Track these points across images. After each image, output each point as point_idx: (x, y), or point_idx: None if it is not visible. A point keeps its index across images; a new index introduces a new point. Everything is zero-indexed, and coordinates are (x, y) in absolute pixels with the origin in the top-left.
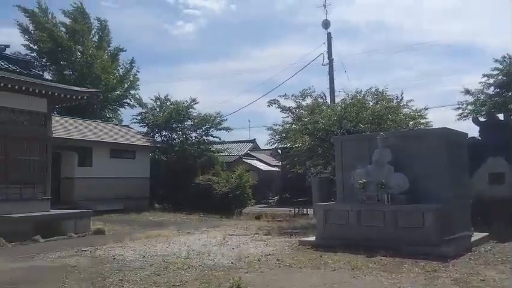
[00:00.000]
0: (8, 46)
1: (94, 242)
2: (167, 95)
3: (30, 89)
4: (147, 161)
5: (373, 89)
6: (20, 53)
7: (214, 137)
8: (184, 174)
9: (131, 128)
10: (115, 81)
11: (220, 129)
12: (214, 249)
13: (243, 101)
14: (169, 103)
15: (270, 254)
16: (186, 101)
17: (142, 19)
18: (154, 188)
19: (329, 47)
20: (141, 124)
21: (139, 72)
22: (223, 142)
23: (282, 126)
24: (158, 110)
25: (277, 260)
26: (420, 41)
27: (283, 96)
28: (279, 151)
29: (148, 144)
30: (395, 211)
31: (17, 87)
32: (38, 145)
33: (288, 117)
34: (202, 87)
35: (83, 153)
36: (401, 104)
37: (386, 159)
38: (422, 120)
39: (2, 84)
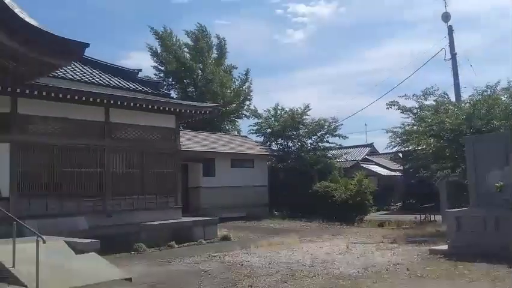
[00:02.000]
0: (140, 70)
1: (221, 248)
2: (277, 104)
3: (161, 108)
4: (265, 169)
5: (504, 82)
6: (149, 76)
7: (329, 143)
8: (301, 181)
9: (249, 138)
10: (232, 94)
11: (335, 136)
12: (338, 258)
13: (358, 105)
14: (283, 112)
15: (398, 264)
16: (300, 108)
17: (252, 33)
18: (272, 196)
19: (450, 40)
20: (258, 134)
21: (252, 84)
22: (340, 147)
23: (403, 128)
24: (273, 119)
25: (407, 269)
26: None
27: (403, 96)
28: (400, 155)
29: (265, 153)
30: None
31: (150, 106)
32: (169, 158)
33: (408, 118)
34: (315, 93)
35: (207, 164)
36: None
37: None
38: None
39: (137, 105)
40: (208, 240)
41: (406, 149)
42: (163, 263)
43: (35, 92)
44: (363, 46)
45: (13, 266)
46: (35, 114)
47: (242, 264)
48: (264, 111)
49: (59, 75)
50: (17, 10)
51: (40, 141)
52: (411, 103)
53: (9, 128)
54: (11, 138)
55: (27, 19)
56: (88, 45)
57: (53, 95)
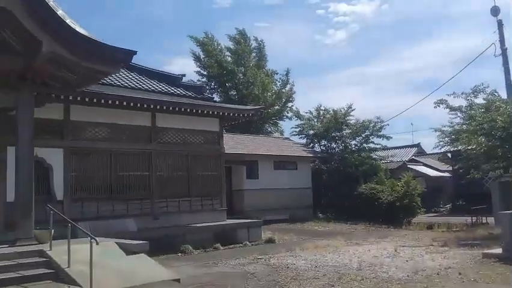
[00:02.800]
0: (184, 75)
1: (266, 250)
2: (319, 105)
3: (205, 111)
4: (308, 171)
5: None
6: (192, 80)
7: (375, 144)
8: (345, 183)
9: (291, 140)
10: (273, 96)
11: (380, 137)
12: (386, 261)
13: (404, 104)
14: (326, 113)
15: (450, 268)
16: (343, 109)
17: (293, 34)
18: (316, 198)
19: (500, 35)
20: (300, 135)
21: (294, 86)
22: (385, 148)
23: (452, 127)
24: (315, 120)
25: (460, 274)
26: None
27: (451, 94)
28: (449, 155)
29: (308, 154)
30: None
31: (194, 110)
32: (213, 161)
33: (456, 117)
34: (358, 93)
35: (251, 166)
36: None
37: None
38: None
39: (182, 109)
40: (252, 243)
41: (455, 148)
42: (210, 265)
43: (86, 99)
44: (407, 43)
45: (68, 267)
46: (86, 121)
47: (288, 267)
48: (306, 112)
49: (107, 82)
50: (68, 21)
51: (91, 147)
52: (459, 101)
53: (63, 134)
54: (64, 144)
55: (78, 29)
56: (135, 52)
57: (103, 101)
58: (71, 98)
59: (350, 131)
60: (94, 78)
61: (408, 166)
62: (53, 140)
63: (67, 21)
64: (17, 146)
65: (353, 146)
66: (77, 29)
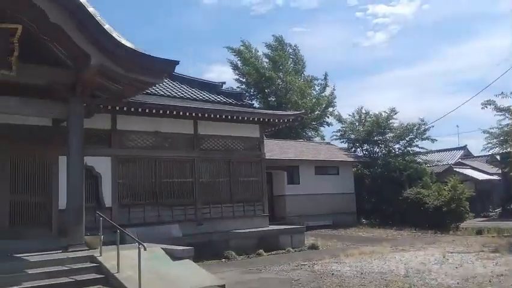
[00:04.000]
0: (224, 83)
1: (310, 256)
2: (361, 107)
3: (246, 118)
4: (351, 176)
5: None
6: (232, 87)
7: (419, 147)
8: (389, 188)
9: (332, 144)
10: (313, 101)
11: (424, 139)
12: (434, 268)
13: (449, 106)
14: (367, 116)
15: (502, 275)
16: (385, 112)
17: (331, 37)
18: (359, 203)
19: None
20: (342, 140)
21: (334, 90)
22: (430, 152)
23: (500, 128)
24: (357, 124)
25: None
26: None
27: (499, 95)
28: (498, 157)
29: (351, 159)
30: None
31: (235, 117)
32: (254, 167)
33: (505, 118)
34: (401, 95)
35: (291, 172)
36: None
37: None
38: None
39: (223, 116)
40: (295, 249)
41: (505, 150)
42: (253, 271)
43: (132, 109)
44: (450, 43)
45: (118, 272)
46: (132, 129)
47: (332, 274)
48: (349, 115)
49: (151, 91)
50: (115, 34)
51: (136, 154)
52: (508, 102)
53: (110, 143)
54: (112, 153)
55: (124, 42)
56: (177, 62)
57: (147, 110)
58: (117, 108)
59: (393, 134)
60: (140, 88)
61: (455, 169)
62: (101, 148)
63: (113, 34)
64: (68, 156)
65: (397, 149)
66: (123, 42)
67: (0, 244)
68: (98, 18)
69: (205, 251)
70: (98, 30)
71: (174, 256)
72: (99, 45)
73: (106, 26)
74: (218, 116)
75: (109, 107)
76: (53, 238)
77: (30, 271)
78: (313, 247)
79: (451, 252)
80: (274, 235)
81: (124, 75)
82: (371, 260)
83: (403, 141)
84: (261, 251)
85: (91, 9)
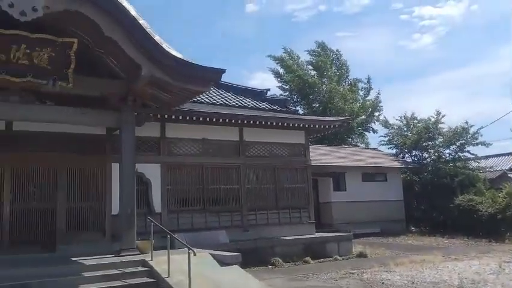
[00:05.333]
0: (268, 90)
1: (358, 265)
2: (413, 113)
3: (291, 124)
4: (399, 182)
5: None
6: (275, 94)
7: (470, 153)
8: (440, 195)
9: (379, 150)
10: (358, 106)
11: (476, 144)
12: (490, 278)
13: (502, 108)
14: (415, 121)
15: None
16: (433, 116)
17: (377, 41)
18: (408, 210)
19: None
20: (389, 146)
21: (379, 95)
22: (482, 157)
23: None
24: (405, 129)
25: None
26: None
27: None
28: None
29: (399, 165)
30: None
31: (280, 124)
32: (300, 173)
33: None
34: (450, 98)
35: (337, 178)
36: None
37: None
38: None
39: (268, 123)
40: (343, 257)
41: None
42: (301, 278)
43: (180, 117)
44: (501, 44)
45: (168, 276)
46: (179, 137)
47: (383, 283)
48: (397, 120)
49: (197, 100)
50: (164, 45)
51: (184, 161)
52: None
53: (159, 151)
54: (161, 160)
55: (173, 52)
56: (224, 71)
57: (194, 118)
58: (166, 116)
59: (443, 139)
60: (187, 97)
61: (509, 175)
62: (151, 156)
63: (163, 45)
64: (120, 163)
65: (447, 155)
66: (172, 53)
67: (59, 248)
68: (149, 30)
69: (251, 257)
70: (149, 41)
71: (222, 262)
72: (150, 56)
73: (156, 38)
74: (263, 123)
75: (158, 116)
76: (107, 242)
77: (86, 274)
78: (361, 255)
79: (508, 262)
80: (321, 242)
81: (173, 84)
82: (422, 269)
83: (453, 147)
84: (307, 258)
85: (142, 22)
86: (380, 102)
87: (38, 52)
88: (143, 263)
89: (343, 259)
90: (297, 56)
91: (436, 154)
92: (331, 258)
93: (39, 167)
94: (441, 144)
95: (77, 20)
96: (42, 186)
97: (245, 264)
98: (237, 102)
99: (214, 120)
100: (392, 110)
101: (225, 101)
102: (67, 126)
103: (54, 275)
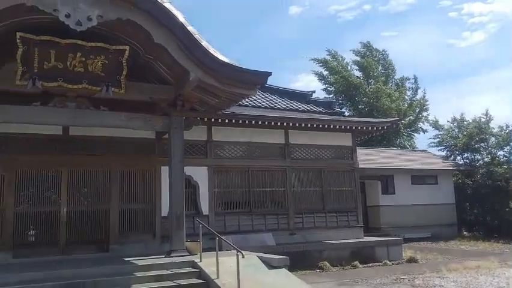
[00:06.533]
0: (313, 92)
1: (409, 270)
2: (462, 114)
3: (337, 126)
4: (450, 186)
5: None
6: (318, 97)
7: None
8: (494, 198)
9: (429, 152)
10: (405, 106)
11: None
12: None
13: None
14: (466, 122)
15: None
16: (483, 117)
17: (424, 40)
18: (460, 214)
19: None
20: (439, 147)
21: (425, 94)
22: None
23: None
24: (456, 130)
25: None
26: None
27: None
28: None
29: (450, 167)
30: None
31: (326, 126)
32: (347, 176)
33: None
34: (502, 97)
35: (386, 181)
36: None
37: None
38: None
39: (314, 125)
40: (392, 262)
41: None
42: (350, 283)
43: (226, 120)
44: None
45: (217, 278)
46: (226, 140)
47: None
48: (448, 121)
49: (243, 103)
50: (211, 50)
51: (230, 164)
52: None
53: (206, 154)
54: (208, 163)
55: (220, 57)
56: (270, 74)
57: (240, 121)
58: (213, 119)
59: (496, 140)
60: (234, 100)
61: None
62: (198, 159)
63: (210, 50)
64: (170, 166)
65: (501, 156)
66: (219, 57)
67: (112, 249)
68: (197, 35)
69: (298, 260)
70: (197, 47)
71: (270, 264)
72: (198, 62)
73: (204, 43)
74: (309, 125)
75: (205, 119)
76: (157, 243)
77: (138, 274)
78: (411, 260)
79: None
80: (370, 247)
81: (220, 88)
82: (477, 276)
83: (508, 147)
84: (356, 262)
85: (190, 28)
86: (427, 101)
87: (92, 60)
88: (193, 264)
89: (393, 264)
90: (342, 57)
91: (489, 156)
92: (380, 263)
93: (93, 170)
94: (494, 145)
95: (128, 28)
96: (96, 189)
97: (292, 267)
98: (281, 104)
99: (259, 123)
100: (440, 111)
101: (269, 103)
102: (118, 130)
103: (108, 275)
